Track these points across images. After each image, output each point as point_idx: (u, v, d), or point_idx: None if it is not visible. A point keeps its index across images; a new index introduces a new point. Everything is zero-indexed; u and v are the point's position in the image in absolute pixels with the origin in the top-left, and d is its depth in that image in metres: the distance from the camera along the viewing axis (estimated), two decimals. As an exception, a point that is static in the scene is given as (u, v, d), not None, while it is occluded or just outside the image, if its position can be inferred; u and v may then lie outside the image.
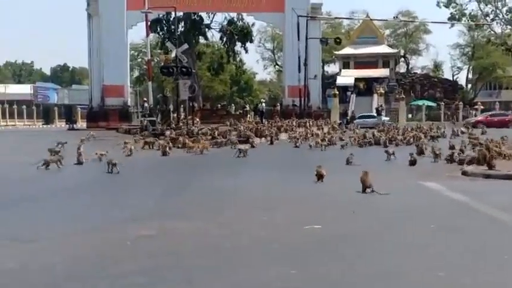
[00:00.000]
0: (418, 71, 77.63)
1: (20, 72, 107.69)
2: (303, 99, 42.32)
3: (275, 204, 9.26)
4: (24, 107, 58.91)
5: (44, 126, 55.28)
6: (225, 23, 55.66)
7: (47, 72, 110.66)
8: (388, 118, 45.06)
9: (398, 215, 8.12)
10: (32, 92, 70.59)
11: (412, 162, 15.28)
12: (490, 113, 45.63)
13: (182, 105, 32.45)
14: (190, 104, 32.40)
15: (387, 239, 6.75)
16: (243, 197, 10.24)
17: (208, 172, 14.62)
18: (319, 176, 11.76)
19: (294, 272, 5.25)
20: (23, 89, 72.86)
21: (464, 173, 13.36)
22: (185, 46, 34.31)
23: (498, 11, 56.84)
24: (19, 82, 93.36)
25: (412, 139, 22.93)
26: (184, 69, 30.01)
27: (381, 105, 47.26)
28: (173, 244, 6.49)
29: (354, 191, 10.06)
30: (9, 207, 9.24)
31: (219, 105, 48.55)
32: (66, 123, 44.31)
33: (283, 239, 6.70)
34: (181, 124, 29.05)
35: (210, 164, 16.97)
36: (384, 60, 62.77)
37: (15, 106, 57.52)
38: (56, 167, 14.71)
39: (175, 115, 32.80)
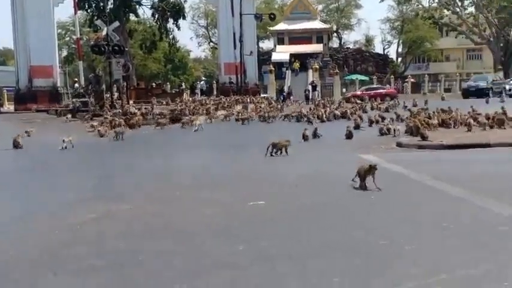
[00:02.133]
0: (351, 46, 79.08)
1: None
2: (239, 76, 42.31)
3: (220, 182, 9.30)
4: None
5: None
6: (157, -1, 54.57)
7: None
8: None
9: (340, 189, 8.31)
10: (-47, 74, 67.23)
11: (349, 136, 15.61)
12: (366, 87, 46.48)
13: (115, 85, 31.76)
14: (124, 83, 31.75)
15: (330, 212, 6.91)
16: (190, 176, 10.23)
17: (154, 152, 14.54)
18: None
19: (241, 248, 5.31)
20: None
21: (399, 145, 13.82)
22: (116, 24, 33.45)
23: (426, -15, 58.57)
24: None
25: (347, 112, 23.41)
26: (116, 48, 29.32)
27: (313, 81, 47.80)
28: (120, 226, 6.42)
29: (301, 167, 10.23)
30: None
31: (154, 83, 47.75)
32: (-8, 106, 42.46)
33: (228, 216, 6.76)
34: (116, 105, 28.51)
35: (157, 144, 16.85)
36: (318, 36, 63.42)
37: None
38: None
39: (108, 95, 32.08)
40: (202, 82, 43.43)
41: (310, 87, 44.92)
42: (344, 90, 54.10)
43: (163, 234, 5.99)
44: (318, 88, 46.97)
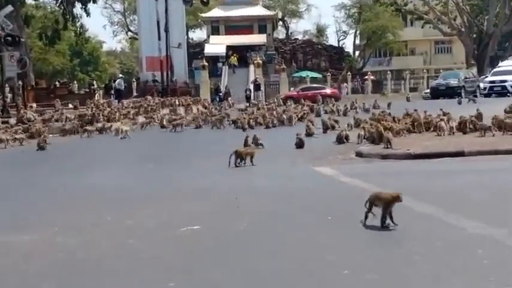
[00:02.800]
0: (300, 37, 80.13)
1: None
2: (165, 72, 42.08)
3: (149, 202, 9.26)
4: None
5: None
6: (60, -23, 53.70)
7: None
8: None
9: (289, 209, 8.39)
10: None
11: (299, 144, 15.78)
12: (302, 86, 47.53)
13: (7, 84, 31.08)
14: (20, 83, 31.15)
15: (277, 236, 6.96)
16: (106, 195, 10.13)
17: (69, 166, 14.46)
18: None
19: (172, 286, 5.29)
20: None
21: (359, 155, 14.07)
22: (9, 8, 32.77)
23: (387, -35, 59.89)
24: None
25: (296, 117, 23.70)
26: (9, 38, 28.79)
27: (256, 79, 48.18)
28: (17, 262, 6.29)
29: (243, 182, 10.28)
30: None
31: (58, 82, 46.96)
32: None
33: (155, 244, 6.71)
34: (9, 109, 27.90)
35: (72, 156, 16.65)
36: (260, 25, 63.86)
37: None
38: None
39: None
40: (119, 80, 42.85)
41: (252, 87, 45.29)
42: (292, 89, 54.77)
43: (70, 272, 5.89)
44: (262, 87, 47.37)
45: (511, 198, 8.51)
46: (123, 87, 41.57)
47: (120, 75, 48.27)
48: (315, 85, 47.65)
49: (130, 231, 7.39)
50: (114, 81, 44.31)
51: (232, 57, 56.60)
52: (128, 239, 6.99)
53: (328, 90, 43.36)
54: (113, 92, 40.95)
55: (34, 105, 31.02)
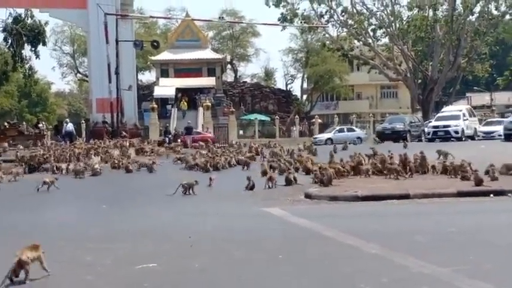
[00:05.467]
0: (248, 80, 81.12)
1: None
2: (115, 114, 42.09)
3: (102, 241, 9.40)
4: None
5: None
6: (10, 20, 53.53)
7: None
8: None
9: (241, 246, 8.68)
10: None
11: (251, 187, 16.11)
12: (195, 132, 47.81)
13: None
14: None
15: (230, 277, 7.22)
16: (64, 233, 10.22)
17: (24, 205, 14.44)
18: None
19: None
20: None
21: (308, 196, 14.45)
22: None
23: (333, 11, 61.04)
24: None
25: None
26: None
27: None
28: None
29: (196, 222, 10.50)
30: None
31: (7, 123, 46.42)
32: None
33: (113, 281, 6.91)
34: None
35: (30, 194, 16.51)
36: (209, 68, 64.38)
37: None
38: None
39: None
40: (70, 123, 42.59)
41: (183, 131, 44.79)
42: (241, 132, 55.26)
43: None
44: (198, 130, 47.47)
45: (452, 240, 8.94)
46: (73, 130, 41.38)
47: (67, 120, 47.64)
48: (197, 130, 47.57)
49: (88, 268, 7.57)
50: (64, 123, 44.01)
51: (182, 102, 56.79)
52: (86, 276, 7.17)
53: (203, 134, 44.39)
54: (63, 133, 40.68)
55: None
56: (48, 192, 17.07)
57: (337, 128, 51.08)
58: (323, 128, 57.79)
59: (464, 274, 6.78)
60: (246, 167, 22.03)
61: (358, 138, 45.99)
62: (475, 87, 73.41)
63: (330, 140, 43.27)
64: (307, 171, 18.69)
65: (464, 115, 39.75)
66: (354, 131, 49.54)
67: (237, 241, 9.14)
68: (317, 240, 9.12)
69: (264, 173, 17.76)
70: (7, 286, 6.81)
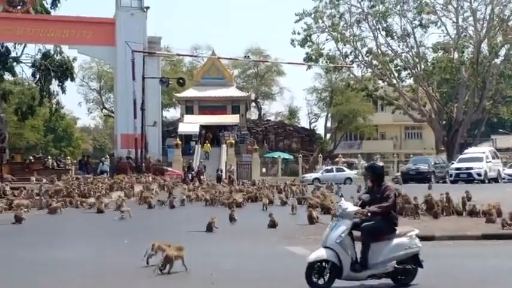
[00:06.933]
0: (272, 118, 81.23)
1: None
2: (139, 150, 42.34)
3: (120, 276, 9.40)
4: None
5: None
6: (39, 56, 54.39)
7: None
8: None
9: (265, 286, 8.62)
10: None
11: (272, 225, 16.08)
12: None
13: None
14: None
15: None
16: (82, 269, 10.26)
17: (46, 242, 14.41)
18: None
19: None
20: None
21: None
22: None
23: (357, 52, 61.21)
24: None
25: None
26: (-12, 113, 29.04)
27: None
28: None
29: (215, 258, 10.44)
30: None
31: (33, 157, 46.90)
32: None
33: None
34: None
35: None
36: (234, 105, 64.67)
37: None
38: None
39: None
40: (106, 164, 43.13)
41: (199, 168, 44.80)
42: (264, 170, 55.17)
43: None
44: (221, 167, 47.48)
45: (479, 282, 8.80)
46: (108, 169, 41.75)
47: (103, 159, 48.03)
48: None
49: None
50: (100, 162, 44.57)
51: (206, 144, 56.67)
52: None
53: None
54: (98, 172, 41.03)
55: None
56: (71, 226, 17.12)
57: (325, 168, 50.71)
58: (346, 167, 57.61)
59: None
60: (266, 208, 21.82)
61: (348, 178, 45.25)
62: (500, 130, 72.81)
63: (317, 180, 42.03)
64: (327, 210, 18.51)
65: (487, 157, 39.27)
66: (343, 171, 48.91)
67: (261, 279, 9.09)
68: (340, 284, 9.02)
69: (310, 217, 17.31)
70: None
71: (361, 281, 8.53)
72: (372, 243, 8.55)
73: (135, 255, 11.84)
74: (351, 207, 8.75)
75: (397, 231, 8.83)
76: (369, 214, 8.58)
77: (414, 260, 8.82)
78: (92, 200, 23.01)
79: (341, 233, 8.41)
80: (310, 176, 47.35)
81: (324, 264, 8.34)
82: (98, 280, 9.31)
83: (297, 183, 32.77)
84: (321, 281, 8.32)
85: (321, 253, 8.35)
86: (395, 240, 8.71)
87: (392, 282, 8.67)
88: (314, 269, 8.29)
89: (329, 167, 50.64)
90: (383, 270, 8.54)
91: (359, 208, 8.75)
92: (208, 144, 55.43)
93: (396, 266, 8.59)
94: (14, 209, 20.14)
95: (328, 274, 8.33)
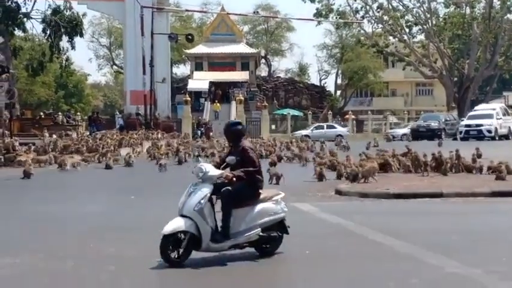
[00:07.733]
0: (282, 75, 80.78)
1: None
2: (149, 106, 42.25)
3: (127, 232, 9.38)
4: None
5: None
6: (49, 12, 54.01)
7: None
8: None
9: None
10: None
11: (277, 180, 15.98)
12: None
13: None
14: (6, 113, 31.18)
15: (254, 265, 7.14)
16: (89, 224, 10.32)
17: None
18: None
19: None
20: None
21: (339, 192, 14.27)
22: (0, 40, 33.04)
23: (368, 7, 60.39)
24: None
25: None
26: (-1, 69, 28.93)
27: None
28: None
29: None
30: None
31: (43, 113, 46.92)
32: None
33: (135, 272, 6.93)
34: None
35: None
36: (243, 62, 64.19)
37: None
38: None
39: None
40: (120, 118, 43.34)
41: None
42: (273, 126, 55.01)
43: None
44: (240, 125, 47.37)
45: (485, 240, 8.70)
46: (123, 123, 41.89)
47: (117, 112, 48.14)
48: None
49: (111, 259, 7.57)
50: (116, 117, 44.89)
51: (215, 103, 56.29)
52: (108, 266, 7.19)
53: None
54: (117, 127, 41.20)
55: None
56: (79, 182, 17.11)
57: (315, 125, 50.38)
58: (357, 124, 57.41)
59: (497, 276, 6.58)
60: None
61: (339, 135, 43.32)
62: (512, 86, 72.22)
63: (307, 137, 40.28)
64: (334, 168, 18.31)
65: (497, 114, 38.87)
66: (334, 128, 48.50)
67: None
68: (346, 238, 8.96)
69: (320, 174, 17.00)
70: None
71: (221, 252, 7.71)
72: (234, 209, 7.65)
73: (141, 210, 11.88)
74: (213, 170, 7.75)
75: (262, 196, 7.93)
76: (234, 179, 7.65)
77: (280, 227, 7.99)
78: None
79: (200, 199, 7.46)
80: (300, 133, 46.89)
81: (180, 235, 7.40)
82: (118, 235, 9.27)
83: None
84: (174, 254, 7.37)
85: (178, 224, 7.38)
86: (260, 206, 7.84)
87: (256, 251, 7.88)
88: (170, 241, 7.32)
89: (320, 124, 50.30)
90: (246, 239, 7.68)
91: (223, 172, 7.76)
92: (218, 104, 55.17)
93: (261, 234, 7.73)
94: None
95: (184, 247, 7.39)
